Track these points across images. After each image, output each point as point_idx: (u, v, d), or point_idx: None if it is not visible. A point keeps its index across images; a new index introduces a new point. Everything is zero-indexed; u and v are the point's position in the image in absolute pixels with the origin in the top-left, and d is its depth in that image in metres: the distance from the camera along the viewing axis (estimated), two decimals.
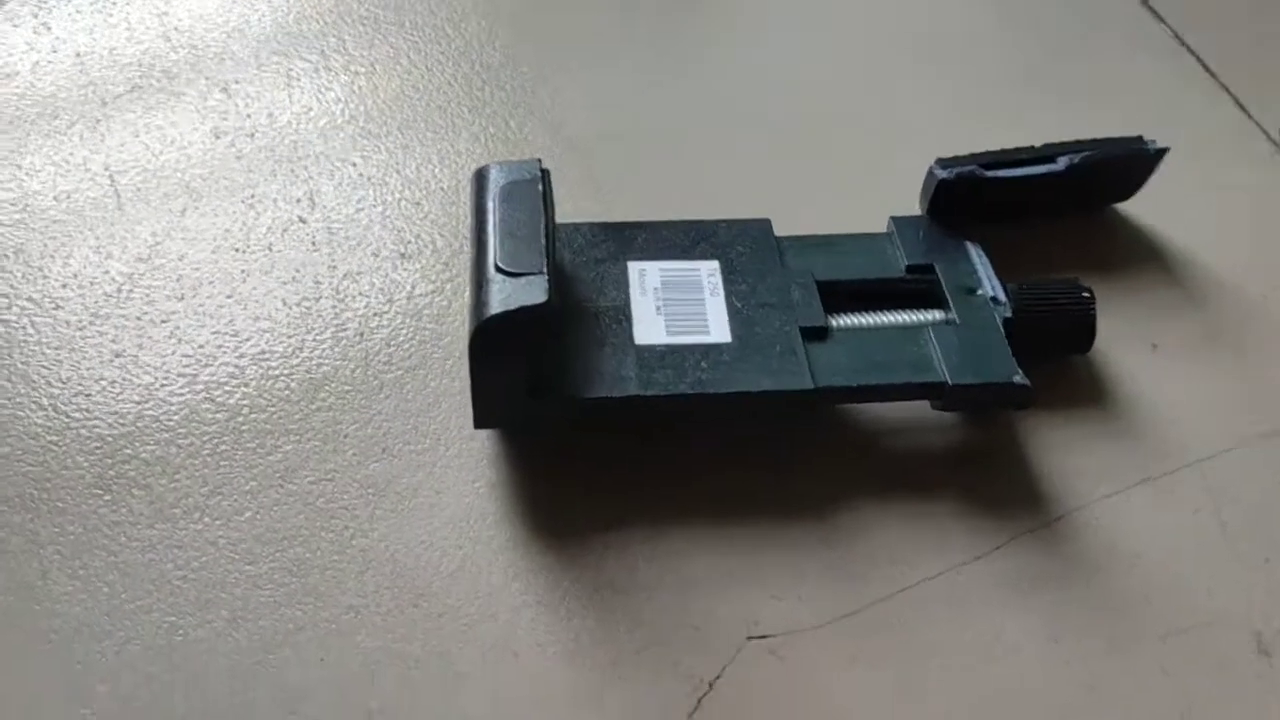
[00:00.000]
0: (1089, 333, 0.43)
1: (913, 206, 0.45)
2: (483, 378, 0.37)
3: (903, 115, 0.51)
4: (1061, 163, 0.45)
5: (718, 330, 0.40)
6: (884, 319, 0.42)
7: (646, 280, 0.41)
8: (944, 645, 0.37)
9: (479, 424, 0.38)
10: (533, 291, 0.36)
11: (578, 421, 0.40)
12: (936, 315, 0.42)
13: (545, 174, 0.40)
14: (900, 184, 0.45)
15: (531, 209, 0.38)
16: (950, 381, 0.39)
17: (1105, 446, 0.42)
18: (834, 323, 0.41)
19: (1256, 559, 0.40)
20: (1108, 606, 0.39)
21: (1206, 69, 0.53)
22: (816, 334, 0.41)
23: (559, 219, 0.46)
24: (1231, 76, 0.53)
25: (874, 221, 0.45)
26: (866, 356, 0.40)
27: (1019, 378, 0.39)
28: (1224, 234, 0.48)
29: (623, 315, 0.40)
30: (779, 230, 0.44)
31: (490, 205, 0.39)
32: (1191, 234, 0.48)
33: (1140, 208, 0.48)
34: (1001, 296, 0.42)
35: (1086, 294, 0.43)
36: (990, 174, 0.44)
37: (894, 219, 0.45)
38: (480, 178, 0.40)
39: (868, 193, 0.47)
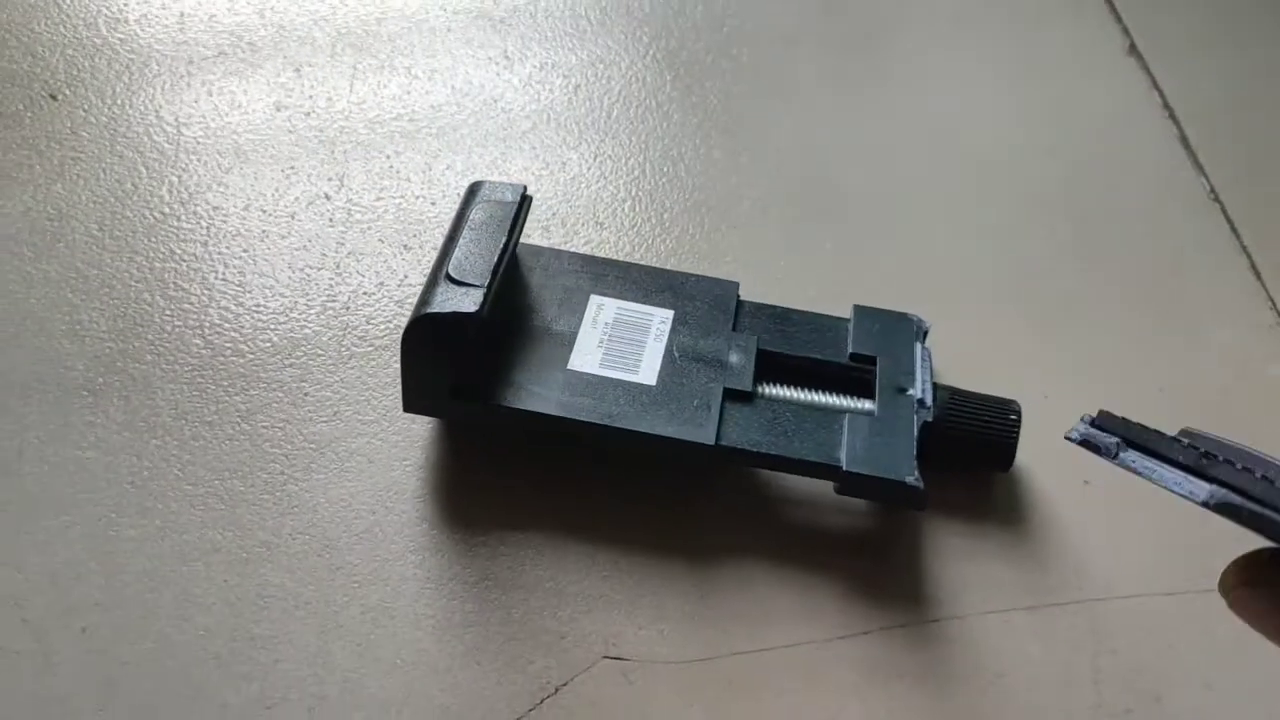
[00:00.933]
0: (1006, 454, 0.44)
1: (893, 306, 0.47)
2: (411, 369, 0.41)
3: (933, 230, 0.53)
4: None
5: (646, 373, 0.43)
6: (808, 397, 0.44)
7: (601, 314, 0.45)
8: (786, 712, 0.40)
9: (407, 408, 0.42)
10: (467, 302, 0.39)
11: (493, 424, 0.43)
12: (860, 404, 0.44)
13: (525, 200, 0.44)
14: (900, 287, 0.48)
15: (498, 228, 0.42)
16: (845, 467, 0.42)
17: (1002, 566, 0.43)
18: (762, 390, 0.44)
19: (1118, 708, 0.41)
20: (954, 716, 0.40)
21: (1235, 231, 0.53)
22: (740, 397, 0.43)
23: (560, 245, 0.50)
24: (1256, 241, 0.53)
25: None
26: (778, 428, 0.43)
27: (912, 479, 0.41)
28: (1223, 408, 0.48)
29: (567, 341, 0.44)
30: (754, 296, 0.47)
31: (466, 216, 0.43)
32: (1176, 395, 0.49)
33: (1149, 364, 0.49)
34: (929, 401, 0.44)
35: (1014, 416, 0.44)
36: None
37: (857, 308, 0.47)
38: (471, 190, 0.44)
39: (870, 288, 0.49)
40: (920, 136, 0.55)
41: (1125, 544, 0.44)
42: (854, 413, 0.44)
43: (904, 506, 0.44)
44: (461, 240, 0.42)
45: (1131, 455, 0.34)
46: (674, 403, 0.43)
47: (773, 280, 0.49)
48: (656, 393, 0.43)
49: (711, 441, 0.42)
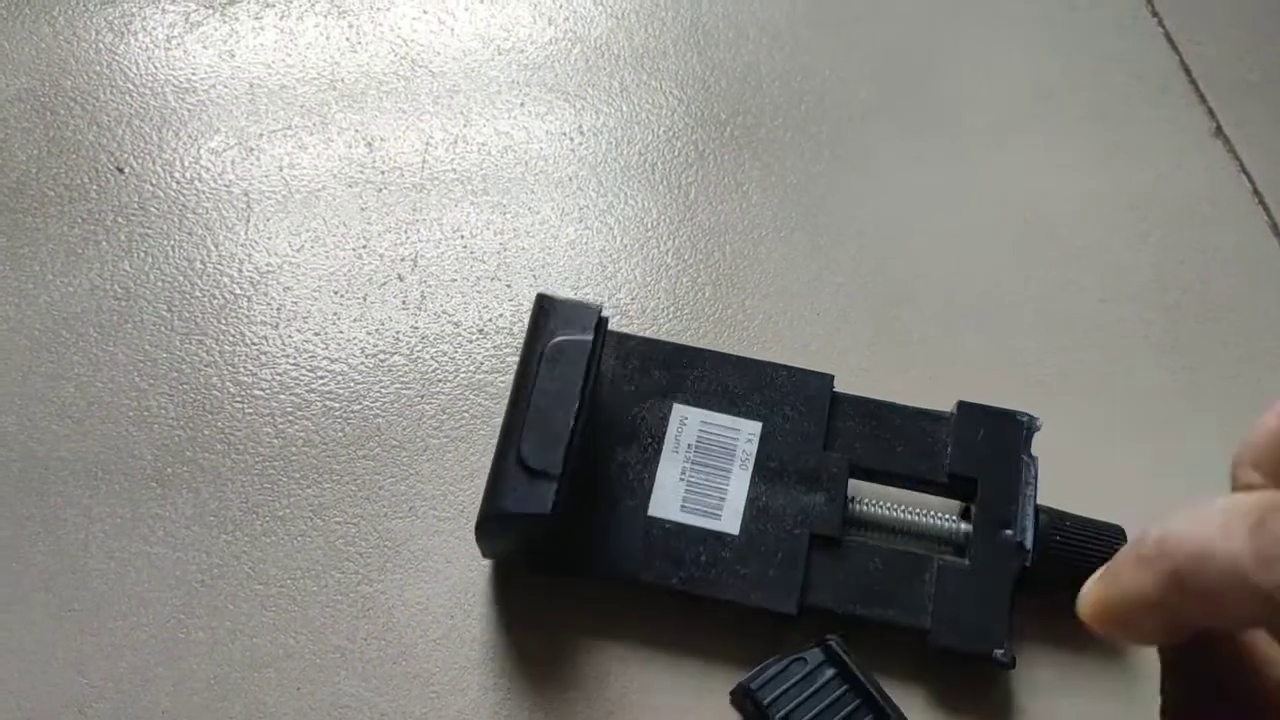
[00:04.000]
0: None
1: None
2: (488, 547, 0.40)
3: (1021, 318, 0.51)
4: None
5: (729, 518, 0.41)
6: (900, 526, 0.42)
7: (684, 434, 0.43)
8: None
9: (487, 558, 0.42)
10: (540, 500, 0.37)
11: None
12: (956, 530, 0.42)
13: (601, 325, 0.41)
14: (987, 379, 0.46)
15: (571, 382, 0.39)
16: (930, 638, 0.40)
17: (1100, 706, 0.41)
18: (850, 535, 0.42)
19: None
20: None
21: None
22: (826, 543, 0.41)
23: (640, 331, 0.48)
24: None
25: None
26: (864, 580, 0.41)
27: (999, 653, 0.39)
28: None
29: (648, 472, 0.42)
30: (841, 387, 0.45)
31: (535, 365, 0.39)
32: None
33: None
34: (1028, 543, 0.41)
35: (1119, 546, 0.42)
36: None
37: (961, 404, 0.44)
38: (540, 312, 0.41)
39: (959, 380, 0.48)
40: (1004, 219, 0.54)
41: None
42: (945, 542, 0.42)
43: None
44: (532, 405, 0.39)
45: None
46: (757, 560, 0.40)
47: (861, 370, 0.48)
48: (739, 546, 0.41)
49: (794, 612, 0.40)
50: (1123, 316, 0.51)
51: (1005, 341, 0.50)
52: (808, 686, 0.38)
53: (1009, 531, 0.41)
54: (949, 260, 0.52)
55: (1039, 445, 0.44)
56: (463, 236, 0.51)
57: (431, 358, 0.47)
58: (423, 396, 0.46)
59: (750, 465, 0.42)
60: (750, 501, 0.41)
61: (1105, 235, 0.54)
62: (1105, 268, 0.53)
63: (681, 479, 0.42)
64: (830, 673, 0.38)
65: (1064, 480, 0.44)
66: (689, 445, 0.42)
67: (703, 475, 0.42)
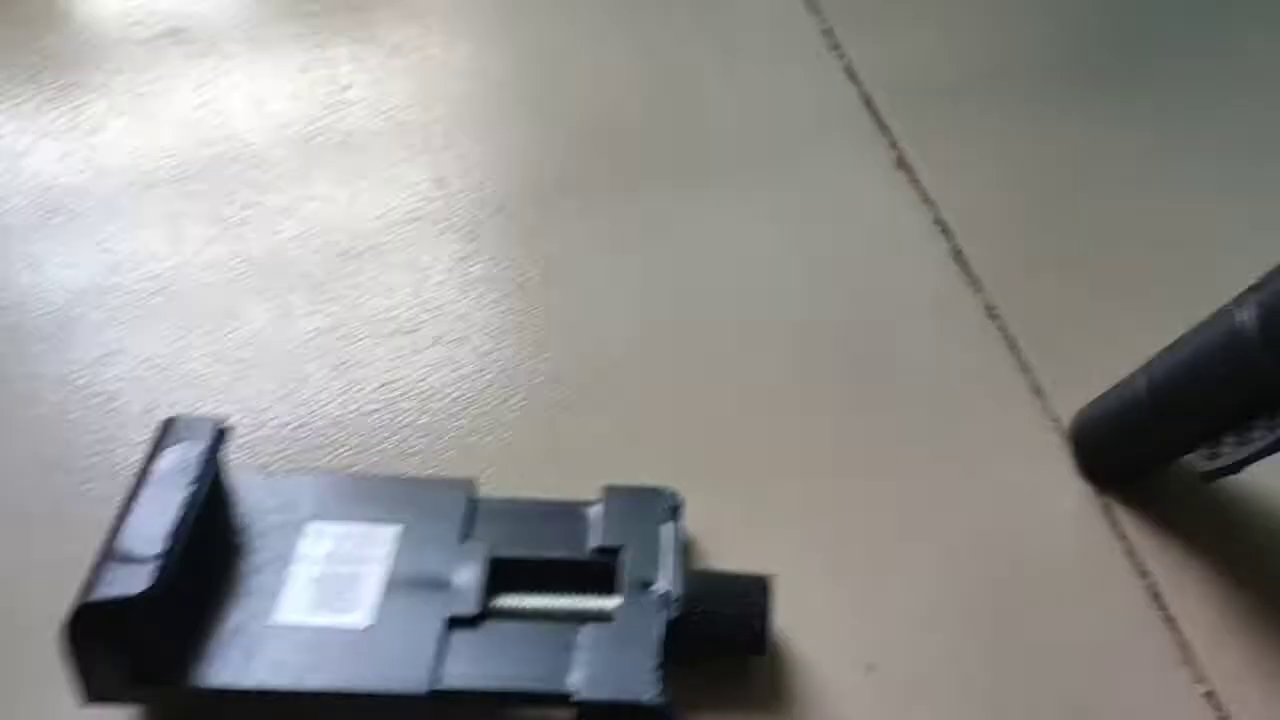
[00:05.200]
0: (757, 639, 0.41)
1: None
2: (82, 660, 0.37)
3: (712, 391, 0.51)
4: None
5: (364, 612, 0.40)
6: (546, 604, 0.41)
7: (318, 546, 0.42)
8: None
9: (89, 700, 0.38)
10: (135, 581, 0.36)
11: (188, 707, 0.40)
12: (604, 603, 0.41)
13: (220, 437, 0.41)
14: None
15: (183, 478, 0.39)
16: (580, 694, 0.38)
17: None
18: (494, 605, 0.41)
19: None
20: None
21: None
22: (466, 623, 0.40)
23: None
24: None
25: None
26: (507, 655, 0.40)
27: (649, 697, 0.38)
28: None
29: (273, 587, 0.41)
30: (520, 491, 0.44)
31: (150, 468, 0.40)
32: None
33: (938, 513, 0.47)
34: (676, 591, 0.41)
35: (760, 595, 0.41)
36: None
37: (607, 489, 0.44)
38: (163, 430, 0.41)
39: (644, 465, 0.47)
40: (695, 289, 0.53)
41: None
42: (593, 619, 0.41)
43: None
44: (140, 500, 0.39)
45: None
46: (388, 646, 0.39)
47: (541, 472, 0.47)
48: (369, 637, 0.39)
49: (424, 689, 0.38)
50: (811, 370, 0.50)
51: (692, 416, 0.49)
52: None
53: (654, 586, 0.41)
54: (644, 346, 0.51)
55: (719, 520, 0.44)
56: None
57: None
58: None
59: (388, 563, 0.42)
60: (387, 594, 0.41)
61: (792, 288, 0.53)
62: (790, 326, 0.52)
63: (313, 584, 0.41)
64: None
65: (740, 550, 0.44)
66: (322, 556, 0.42)
67: (335, 581, 0.41)
